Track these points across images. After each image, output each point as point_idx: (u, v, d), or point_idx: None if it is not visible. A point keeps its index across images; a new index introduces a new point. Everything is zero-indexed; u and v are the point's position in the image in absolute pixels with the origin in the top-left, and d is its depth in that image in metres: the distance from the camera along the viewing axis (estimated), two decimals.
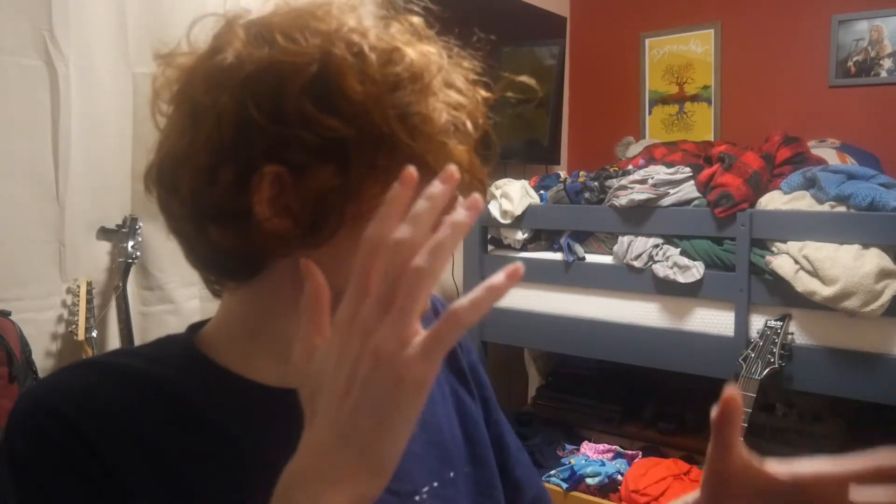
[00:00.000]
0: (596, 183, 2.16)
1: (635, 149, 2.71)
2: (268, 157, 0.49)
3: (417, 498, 0.61)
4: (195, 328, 0.60)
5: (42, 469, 0.49)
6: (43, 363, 1.56)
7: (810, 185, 1.87)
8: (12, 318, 1.48)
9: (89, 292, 1.60)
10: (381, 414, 0.40)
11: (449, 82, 0.53)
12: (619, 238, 2.07)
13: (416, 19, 0.55)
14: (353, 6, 0.52)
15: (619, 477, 2.07)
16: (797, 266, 1.73)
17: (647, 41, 3.10)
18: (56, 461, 0.49)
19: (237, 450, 0.54)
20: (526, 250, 2.31)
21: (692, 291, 1.92)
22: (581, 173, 2.28)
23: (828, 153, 2.27)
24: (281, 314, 0.56)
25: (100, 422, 0.50)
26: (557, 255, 2.21)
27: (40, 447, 0.49)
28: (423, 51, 0.52)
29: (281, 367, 0.57)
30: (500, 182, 2.32)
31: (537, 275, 2.24)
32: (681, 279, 1.91)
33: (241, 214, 0.50)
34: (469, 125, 0.53)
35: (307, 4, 0.52)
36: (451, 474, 0.66)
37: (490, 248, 2.40)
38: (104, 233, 1.71)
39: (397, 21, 0.54)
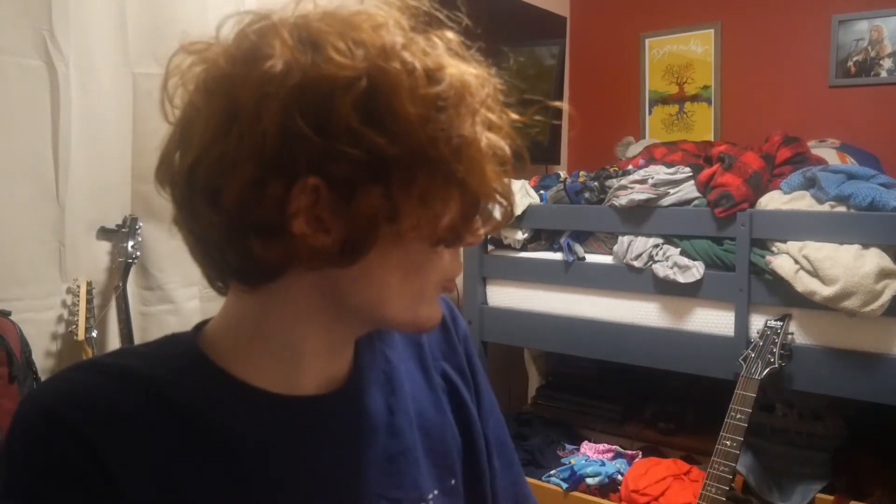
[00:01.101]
0: (596, 183, 2.16)
1: (635, 149, 2.71)
2: (310, 171, 0.48)
3: None
4: (199, 327, 0.60)
5: (40, 475, 0.48)
6: (43, 363, 1.56)
7: (810, 185, 1.87)
8: (12, 318, 1.48)
9: (89, 292, 1.60)
10: None
11: (487, 104, 0.53)
12: (619, 238, 2.07)
13: (452, 35, 0.54)
14: (388, 19, 0.51)
15: (619, 477, 2.07)
16: (797, 266, 1.73)
17: (647, 41, 3.10)
18: (54, 467, 0.48)
19: (238, 456, 0.54)
20: (526, 250, 2.30)
21: (692, 291, 1.92)
22: (581, 173, 2.28)
23: (828, 153, 2.26)
24: (294, 321, 0.55)
25: (101, 426, 0.50)
26: (557, 255, 2.21)
27: (39, 453, 0.49)
28: (465, 70, 0.52)
29: (288, 374, 0.57)
30: None
31: (537, 275, 2.24)
32: (681, 279, 1.91)
33: (282, 228, 0.49)
34: (506, 148, 0.53)
35: (345, 12, 0.51)
36: (452, 482, 0.66)
37: (490, 247, 2.40)
38: (104, 233, 1.71)
39: (435, 36, 0.53)
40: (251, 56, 0.49)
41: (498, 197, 0.54)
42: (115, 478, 0.49)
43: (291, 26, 0.50)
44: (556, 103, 0.62)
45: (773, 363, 1.71)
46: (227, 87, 0.49)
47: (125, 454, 0.50)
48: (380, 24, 0.50)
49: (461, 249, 0.60)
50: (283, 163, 0.48)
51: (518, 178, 2.35)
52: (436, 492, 0.63)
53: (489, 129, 0.52)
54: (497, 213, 0.56)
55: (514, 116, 0.56)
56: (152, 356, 0.57)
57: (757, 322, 1.84)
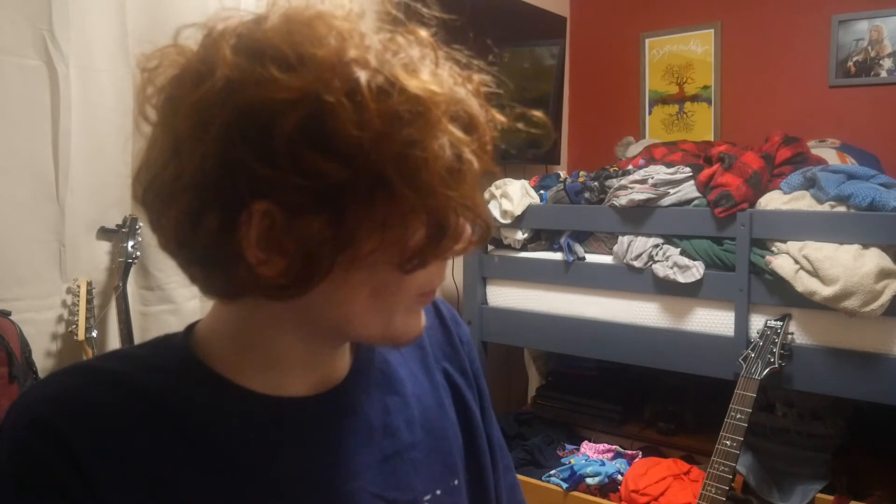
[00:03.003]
0: (596, 183, 2.16)
1: (635, 149, 2.71)
2: (256, 196, 0.45)
3: None
4: (192, 327, 0.60)
5: (22, 485, 0.48)
6: (43, 363, 1.56)
7: (810, 185, 1.87)
8: (12, 318, 1.48)
9: (89, 292, 1.60)
10: None
11: (455, 116, 0.49)
12: (619, 238, 2.07)
13: (424, 33, 0.50)
14: (348, 21, 0.47)
15: (619, 477, 2.07)
16: (797, 266, 1.73)
17: (647, 41, 3.10)
18: (37, 476, 0.48)
19: (229, 459, 0.53)
20: (526, 250, 2.30)
21: (692, 291, 1.92)
22: (581, 173, 2.28)
23: (828, 153, 2.26)
24: (272, 329, 0.55)
25: (87, 432, 0.49)
26: (557, 255, 2.21)
27: (22, 460, 0.48)
28: (427, 81, 0.47)
29: (276, 376, 0.56)
30: (500, 182, 2.32)
31: (537, 275, 2.24)
32: (681, 279, 1.91)
33: (228, 258, 0.48)
34: (475, 163, 0.49)
35: (306, 14, 0.47)
36: (455, 482, 0.65)
37: (490, 247, 2.40)
38: (104, 233, 1.71)
39: (403, 35, 0.49)
40: (192, 77, 0.47)
41: (469, 215, 0.50)
42: (98, 489, 0.48)
43: (238, 38, 0.47)
44: (536, 113, 0.57)
45: (773, 363, 1.72)
46: (171, 113, 0.48)
47: (111, 462, 0.49)
48: (336, 30, 0.46)
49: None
50: (225, 192, 0.46)
51: (517, 177, 2.35)
52: (438, 492, 0.63)
53: (458, 147, 0.48)
54: (471, 231, 0.52)
55: (500, 118, 0.53)
56: (143, 359, 0.56)
57: (757, 322, 1.84)
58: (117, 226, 1.71)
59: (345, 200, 0.46)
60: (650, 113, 3.13)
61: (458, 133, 0.48)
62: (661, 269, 1.95)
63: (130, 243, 1.67)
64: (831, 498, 1.79)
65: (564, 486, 2.02)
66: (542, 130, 0.57)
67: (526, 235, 2.28)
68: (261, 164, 0.45)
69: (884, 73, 2.55)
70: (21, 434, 0.49)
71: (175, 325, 1.77)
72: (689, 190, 2.00)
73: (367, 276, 0.51)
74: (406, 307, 0.55)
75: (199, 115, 0.46)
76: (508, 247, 2.34)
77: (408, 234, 0.48)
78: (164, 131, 0.49)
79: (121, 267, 1.66)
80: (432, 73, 0.48)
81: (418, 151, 0.46)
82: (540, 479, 2.08)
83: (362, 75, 0.45)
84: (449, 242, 0.50)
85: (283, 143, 0.44)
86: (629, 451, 2.23)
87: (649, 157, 2.34)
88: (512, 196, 2.24)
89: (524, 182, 2.33)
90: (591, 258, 2.16)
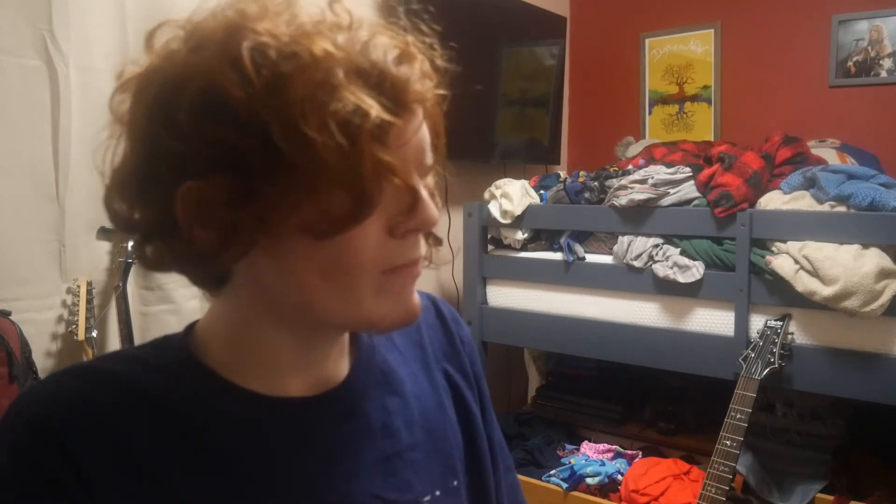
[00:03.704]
0: (596, 183, 2.16)
1: (635, 149, 2.71)
2: (179, 175, 0.48)
3: None
4: (192, 327, 0.59)
5: (21, 484, 0.48)
6: (43, 363, 1.56)
7: (810, 185, 1.87)
8: (12, 318, 1.48)
9: (89, 292, 1.60)
10: None
11: (362, 74, 0.47)
12: (619, 238, 2.07)
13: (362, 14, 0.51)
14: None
15: (619, 477, 2.07)
16: (797, 266, 1.73)
17: (647, 41, 3.09)
18: (36, 476, 0.48)
19: (228, 460, 0.53)
20: (526, 250, 2.30)
21: (692, 291, 1.92)
22: (581, 173, 2.28)
23: (828, 153, 2.26)
24: (252, 323, 0.55)
25: (85, 432, 0.49)
26: (557, 255, 2.21)
27: (21, 461, 0.48)
28: (325, 43, 0.47)
29: (273, 376, 0.56)
30: (500, 182, 2.32)
31: (537, 275, 2.24)
32: (681, 279, 1.91)
33: (168, 232, 0.50)
34: (373, 115, 0.46)
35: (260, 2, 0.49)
36: (455, 483, 0.65)
37: (490, 248, 2.40)
38: (104, 233, 1.70)
39: (335, 8, 0.51)
40: (143, 77, 0.51)
41: (391, 177, 0.48)
42: (97, 489, 0.48)
43: (183, 30, 0.51)
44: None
45: (773, 363, 1.71)
46: (130, 111, 0.52)
47: (109, 462, 0.49)
48: (241, 10, 0.48)
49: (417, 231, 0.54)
50: (156, 172, 0.49)
51: (517, 177, 2.35)
52: (437, 493, 0.63)
53: (363, 101, 0.46)
54: (425, 198, 0.52)
55: (437, 91, 0.52)
56: (142, 359, 0.56)
57: (757, 322, 1.84)
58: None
59: (249, 165, 0.47)
60: (650, 113, 3.13)
61: (363, 92, 0.47)
62: (661, 269, 1.95)
63: (130, 243, 1.67)
64: (831, 498, 1.79)
65: (564, 486, 2.02)
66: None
67: (526, 235, 2.28)
68: (174, 141, 0.47)
69: (884, 73, 2.55)
70: (20, 435, 0.49)
71: (175, 325, 1.77)
72: (689, 190, 2.00)
73: (307, 253, 0.50)
74: (374, 287, 0.52)
75: (135, 98, 0.51)
76: (508, 247, 2.34)
77: (324, 199, 0.47)
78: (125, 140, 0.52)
79: (121, 267, 1.66)
80: (341, 37, 0.48)
81: (308, 110, 0.45)
82: (540, 479, 2.08)
83: (247, 44, 0.46)
84: (367, 209, 0.48)
85: (185, 118, 0.47)
86: (629, 451, 2.23)
87: (649, 157, 2.34)
88: (512, 196, 2.24)
89: (524, 182, 2.33)
90: (591, 258, 2.16)
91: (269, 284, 0.52)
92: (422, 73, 0.51)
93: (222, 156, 0.47)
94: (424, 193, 0.53)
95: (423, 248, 0.55)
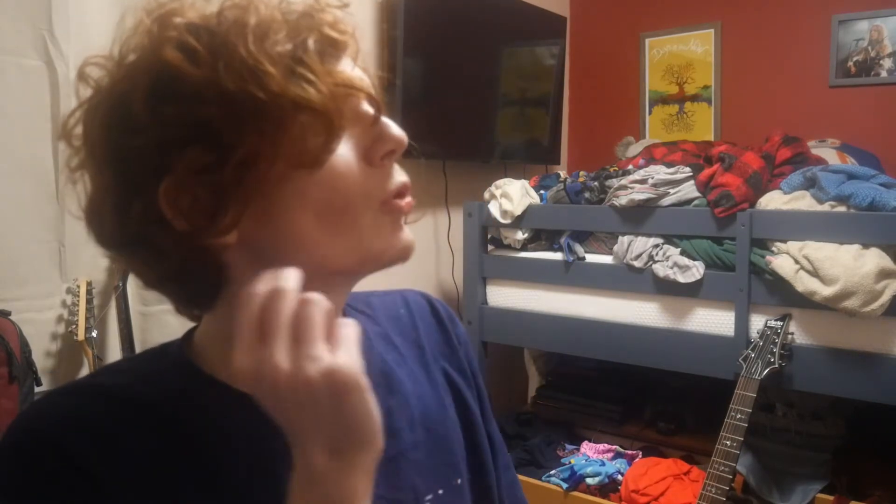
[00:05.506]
0: (596, 183, 2.16)
1: (635, 149, 2.71)
2: (152, 174, 0.49)
3: None
4: (191, 333, 0.60)
5: (31, 497, 0.48)
6: (43, 363, 1.56)
7: (810, 185, 1.87)
8: (12, 318, 1.48)
9: (89, 292, 1.60)
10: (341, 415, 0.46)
11: (294, 13, 0.51)
12: (619, 238, 2.07)
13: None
14: None
15: (619, 477, 2.07)
16: (797, 266, 1.73)
17: (647, 41, 3.09)
18: (45, 488, 0.48)
19: (227, 464, 0.53)
20: (526, 250, 2.30)
21: (692, 291, 1.92)
22: (581, 173, 2.28)
23: (828, 153, 2.26)
24: None
25: (89, 446, 0.49)
26: (557, 255, 2.21)
27: (29, 474, 0.48)
28: (257, 6, 0.50)
29: None
30: (500, 182, 2.32)
31: (537, 275, 2.24)
32: (681, 279, 1.91)
33: (160, 234, 0.51)
34: (314, 42, 0.51)
35: None
36: (458, 481, 0.65)
37: (490, 247, 2.40)
38: None
39: None
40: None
41: (351, 93, 0.52)
42: (106, 495, 0.48)
43: (117, 49, 0.54)
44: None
45: (774, 363, 1.71)
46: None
47: (115, 471, 0.49)
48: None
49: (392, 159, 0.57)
50: (137, 184, 0.50)
51: (517, 177, 2.35)
52: (440, 491, 0.63)
53: (295, 34, 0.50)
54: (370, 108, 0.54)
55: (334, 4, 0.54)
56: (139, 372, 0.56)
57: (757, 322, 1.84)
58: None
59: (216, 129, 0.48)
60: (650, 113, 3.13)
61: (301, 28, 0.51)
62: (661, 269, 1.95)
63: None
64: (831, 498, 1.79)
65: (564, 486, 2.02)
66: None
67: (526, 235, 2.28)
68: (136, 137, 0.48)
69: (884, 73, 2.55)
70: (26, 450, 0.49)
71: (175, 325, 1.76)
72: (689, 190, 2.00)
73: (300, 203, 0.51)
74: (371, 225, 0.55)
75: (88, 122, 0.53)
76: (508, 247, 2.34)
77: (296, 131, 0.49)
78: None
79: (120, 267, 1.66)
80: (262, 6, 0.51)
81: (258, 52, 0.48)
82: (540, 479, 2.08)
83: (180, 23, 0.49)
84: (337, 130, 0.51)
85: (141, 109, 0.48)
86: (629, 451, 2.23)
87: (649, 156, 2.34)
88: (512, 196, 2.24)
89: (524, 182, 2.34)
90: (591, 258, 2.16)
91: (267, 250, 0.52)
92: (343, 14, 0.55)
93: (187, 132, 0.48)
94: (385, 117, 0.56)
95: (405, 176, 0.58)
